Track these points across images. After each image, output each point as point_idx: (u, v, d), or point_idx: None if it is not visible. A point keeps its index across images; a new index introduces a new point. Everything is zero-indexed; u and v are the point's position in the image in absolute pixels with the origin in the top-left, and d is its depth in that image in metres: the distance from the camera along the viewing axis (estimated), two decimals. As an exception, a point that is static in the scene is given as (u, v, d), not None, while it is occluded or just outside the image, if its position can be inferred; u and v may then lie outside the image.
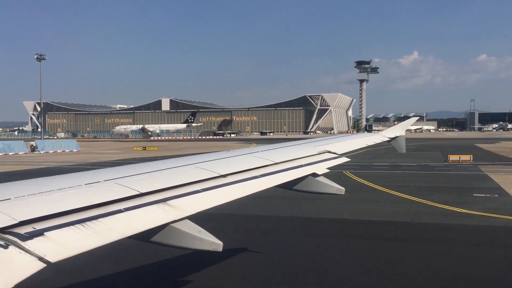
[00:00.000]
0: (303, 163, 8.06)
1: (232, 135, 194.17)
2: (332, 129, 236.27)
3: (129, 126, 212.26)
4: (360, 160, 47.26)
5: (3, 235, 3.47)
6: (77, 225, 3.95)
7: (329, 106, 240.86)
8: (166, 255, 13.91)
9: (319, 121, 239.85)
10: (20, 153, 75.38)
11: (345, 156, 9.61)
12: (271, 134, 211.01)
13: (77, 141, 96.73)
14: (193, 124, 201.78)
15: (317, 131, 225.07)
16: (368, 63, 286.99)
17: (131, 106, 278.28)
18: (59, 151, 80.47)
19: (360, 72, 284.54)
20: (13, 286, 3.10)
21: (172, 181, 5.47)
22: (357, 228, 18.64)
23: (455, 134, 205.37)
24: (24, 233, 3.57)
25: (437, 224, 18.94)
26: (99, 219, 4.15)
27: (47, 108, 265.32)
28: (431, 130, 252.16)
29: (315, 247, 15.74)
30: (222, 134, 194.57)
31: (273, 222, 19.90)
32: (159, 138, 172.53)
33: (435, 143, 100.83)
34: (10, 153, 73.86)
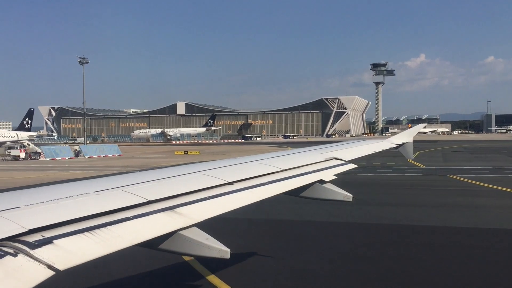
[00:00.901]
0: (310, 170, 8.06)
1: (258, 139, 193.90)
2: (348, 132, 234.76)
3: (148, 130, 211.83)
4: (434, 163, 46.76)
5: (12, 243, 3.50)
6: (86, 233, 3.98)
7: (345, 109, 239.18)
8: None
9: (336, 124, 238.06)
10: (66, 158, 74.91)
11: (352, 163, 9.59)
12: (294, 137, 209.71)
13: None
14: (213, 128, 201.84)
15: (334, 134, 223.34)
16: (384, 65, 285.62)
17: (145, 110, 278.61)
18: (102, 155, 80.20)
19: (376, 74, 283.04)
20: (22, 294, 3.12)
21: (179, 188, 5.49)
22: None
23: (480, 136, 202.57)
24: (33, 241, 3.60)
25: None
26: (107, 227, 4.17)
27: (62, 113, 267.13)
28: (444, 133, 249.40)
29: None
30: (250, 138, 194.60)
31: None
32: (181, 142, 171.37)
33: (475, 145, 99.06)
34: (57, 158, 73.42)
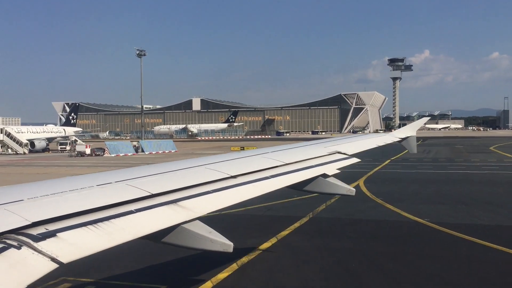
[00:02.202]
0: (313, 164, 8.06)
1: (287, 134, 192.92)
2: (366, 128, 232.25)
3: (170, 126, 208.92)
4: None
5: (16, 236, 3.51)
6: (89, 226, 3.99)
7: (364, 105, 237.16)
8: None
9: (355, 120, 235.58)
10: (128, 154, 73.62)
11: (356, 157, 9.58)
12: (323, 133, 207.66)
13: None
14: (235, 124, 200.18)
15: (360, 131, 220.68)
16: (402, 60, 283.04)
17: (157, 106, 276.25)
18: (160, 152, 78.68)
19: (393, 70, 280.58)
20: (25, 286, 3.14)
21: (182, 182, 5.50)
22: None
23: (504, 132, 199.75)
24: (37, 234, 3.61)
25: None
26: (111, 220, 4.18)
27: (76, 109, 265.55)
28: (457, 129, 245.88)
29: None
30: (282, 134, 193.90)
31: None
32: (207, 138, 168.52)
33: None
34: (121, 154, 72.20)
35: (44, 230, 3.69)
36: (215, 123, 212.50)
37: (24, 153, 78.60)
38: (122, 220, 4.26)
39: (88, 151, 70.28)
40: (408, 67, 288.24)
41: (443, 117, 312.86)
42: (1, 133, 79.91)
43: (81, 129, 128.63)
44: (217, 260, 13.57)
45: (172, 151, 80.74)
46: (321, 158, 8.60)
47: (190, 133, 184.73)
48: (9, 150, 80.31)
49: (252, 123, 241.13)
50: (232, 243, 4.77)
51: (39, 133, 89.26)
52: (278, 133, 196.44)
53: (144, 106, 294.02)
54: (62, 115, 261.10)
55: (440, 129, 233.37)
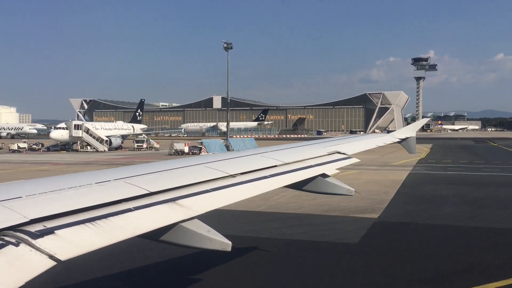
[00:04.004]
0: (313, 164, 8.06)
1: (324, 134, 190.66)
2: (386, 128, 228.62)
3: (200, 124, 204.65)
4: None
5: (14, 233, 3.51)
6: (87, 224, 3.99)
7: (390, 104, 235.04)
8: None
9: (380, 120, 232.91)
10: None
11: (355, 157, 9.58)
12: (361, 132, 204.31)
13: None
14: (265, 123, 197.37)
15: (376, 130, 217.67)
16: (426, 60, 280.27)
17: (173, 104, 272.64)
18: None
19: (417, 69, 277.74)
20: (23, 283, 3.14)
21: (181, 180, 5.50)
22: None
23: None
24: (35, 231, 3.61)
25: None
26: (109, 218, 4.18)
27: (94, 106, 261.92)
28: (475, 130, 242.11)
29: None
30: (322, 133, 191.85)
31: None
32: (240, 136, 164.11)
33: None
34: (216, 153, 68.84)
35: (42, 227, 3.69)
36: (236, 121, 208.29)
37: (104, 151, 73.08)
38: (121, 218, 4.26)
39: (186, 149, 66.53)
40: (433, 67, 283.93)
41: (458, 118, 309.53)
42: (80, 129, 73.72)
43: (147, 126, 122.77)
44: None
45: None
46: (321, 158, 8.60)
47: (218, 131, 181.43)
48: (88, 147, 74.43)
49: (276, 122, 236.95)
50: (230, 242, 4.77)
51: (111, 130, 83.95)
52: (319, 132, 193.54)
53: (160, 103, 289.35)
54: (79, 111, 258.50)
55: (457, 130, 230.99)
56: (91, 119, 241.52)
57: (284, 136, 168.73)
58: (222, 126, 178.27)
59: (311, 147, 9.78)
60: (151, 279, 12.90)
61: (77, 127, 73.92)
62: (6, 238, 3.42)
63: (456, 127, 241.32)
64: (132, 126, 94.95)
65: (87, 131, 74.34)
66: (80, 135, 73.55)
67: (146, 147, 76.86)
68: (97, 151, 73.14)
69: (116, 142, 79.05)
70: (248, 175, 6.44)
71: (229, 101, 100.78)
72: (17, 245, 3.38)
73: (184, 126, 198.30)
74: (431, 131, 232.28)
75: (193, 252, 13.78)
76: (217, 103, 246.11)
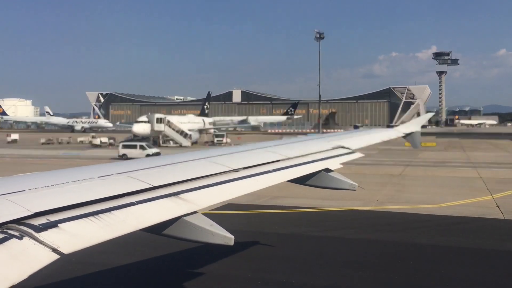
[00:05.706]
0: (316, 158, 8.04)
1: (361, 128, 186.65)
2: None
3: (230, 117, 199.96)
4: None
5: (18, 226, 3.52)
6: (91, 217, 4.00)
7: (414, 99, 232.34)
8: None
9: (405, 115, 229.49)
10: None
11: (360, 152, 9.56)
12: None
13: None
14: (295, 117, 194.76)
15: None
16: (448, 54, 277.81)
17: (188, 98, 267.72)
18: None
19: (439, 63, 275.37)
20: (27, 276, 3.15)
21: (184, 174, 5.50)
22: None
23: None
24: (39, 224, 3.63)
25: None
26: (112, 212, 4.19)
27: (110, 99, 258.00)
28: (492, 126, 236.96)
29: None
30: (358, 127, 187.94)
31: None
32: (271, 131, 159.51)
33: None
34: None
35: (45, 221, 3.70)
36: (256, 115, 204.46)
37: (187, 146, 69.06)
38: (123, 211, 4.27)
39: None
40: (455, 61, 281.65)
41: (473, 112, 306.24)
42: (162, 122, 68.69)
43: (213, 120, 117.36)
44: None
45: None
46: (324, 153, 8.57)
47: (249, 124, 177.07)
48: (171, 142, 70.47)
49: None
50: (233, 236, 4.77)
51: (186, 123, 77.82)
52: (356, 127, 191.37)
53: (175, 97, 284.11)
54: (95, 105, 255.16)
55: (475, 125, 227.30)
56: (107, 113, 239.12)
57: (325, 131, 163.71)
58: (251, 120, 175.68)
59: (315, 142, 9.77)
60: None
61: (159, 120, 69.23)
62: (10, 232, 3.43)
63: (474, 122, 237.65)
64: (203, 120, 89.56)
65: (170, 125, 69.88)
66: (163, 129, 69.02)
67: (226, 142, 72.48)
68: (180, 146, 68.75)
69: (195, 136, 75.18)
70: (251, 169, 6.43)
71: (320, 93, 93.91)
72: (20, 238, 3.40)
73: (213, 119, 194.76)
74: (455, 126, 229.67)
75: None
76: (236, 96, 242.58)
